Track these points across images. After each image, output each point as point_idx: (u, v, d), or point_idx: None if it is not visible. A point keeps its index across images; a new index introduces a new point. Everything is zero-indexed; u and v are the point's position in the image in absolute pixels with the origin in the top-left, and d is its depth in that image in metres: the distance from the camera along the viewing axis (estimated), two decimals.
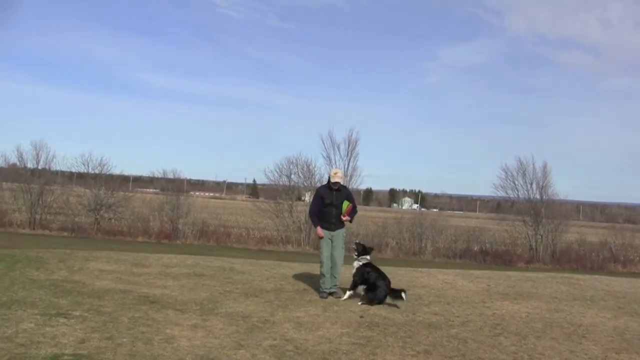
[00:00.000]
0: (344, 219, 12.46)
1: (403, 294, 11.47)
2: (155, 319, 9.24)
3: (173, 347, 7.79)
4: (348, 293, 12.08)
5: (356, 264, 12.21)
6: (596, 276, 20.24)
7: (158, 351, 7.53)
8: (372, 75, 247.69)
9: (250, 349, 7.93)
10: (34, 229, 34.55)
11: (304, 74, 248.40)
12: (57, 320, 8.72)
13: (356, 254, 12.38)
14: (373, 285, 11.80)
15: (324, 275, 12.28)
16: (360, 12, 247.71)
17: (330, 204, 12.38)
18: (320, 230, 12.46)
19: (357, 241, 13.45)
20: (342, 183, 12.76)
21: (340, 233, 12.54)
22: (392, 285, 11.89)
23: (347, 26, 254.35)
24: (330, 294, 12.23)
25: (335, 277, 12.43)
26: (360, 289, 11.99)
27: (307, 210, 31.29)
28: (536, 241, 35.59)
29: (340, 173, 12.99)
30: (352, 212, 12.65)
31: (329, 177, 12.72)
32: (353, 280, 12.12)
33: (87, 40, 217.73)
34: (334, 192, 12.42)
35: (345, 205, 12.41)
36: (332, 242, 12.44)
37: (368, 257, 12.35)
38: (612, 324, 11.15)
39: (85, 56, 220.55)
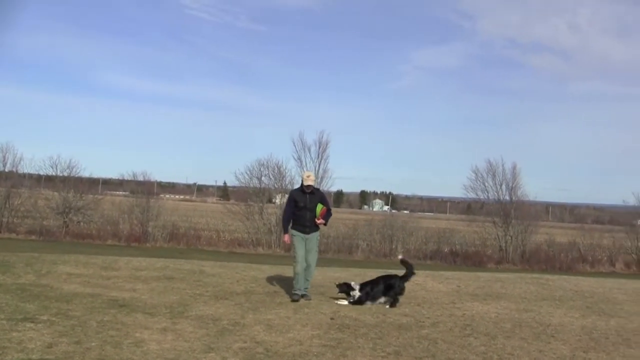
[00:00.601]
0: (318, 222, 12.40)
1: None
2: (124, 322, 9.17)
3: (142, 350, 7.73)
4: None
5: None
6: (565, 276, 20.49)
7: (127, 355, 7.47)
8: (344, 77, 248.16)
9: (221, 352, 7.90)
10: (0, 232, 34.14)
11: (275, 76, 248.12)
12: (24, 324, 8.62)
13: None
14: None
15: (297, 274, 12.15)
16: (332, 14, 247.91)
17: (304, 207, 12.31)
18: (286, 237, 12.65)
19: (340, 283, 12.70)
20: (314, 185, 12.72)
21: (314, 236, 12.51)
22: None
23: (319, 28, 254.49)
24: (302, 296, 12.12)
25: (307, 280, 12.39)
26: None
27: (279, 213, 31.28)
28: (506, 242, 35.77)
29: (312, 176, 12.91)
30: (327, 215, 12.60)
31: (302, 180, 12.67)
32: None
33: (56, 41, 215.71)
34: (307, 195, 12.37)
35: (319, 208, 12.38)
36: (306, 245, 12.34)
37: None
38: (580, 323, 11.28)
39: (53, 57, 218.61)
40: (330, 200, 12.77)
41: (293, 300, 11.90)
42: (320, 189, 12.34)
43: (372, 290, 12.21)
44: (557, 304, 13.36)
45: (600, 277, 23.51)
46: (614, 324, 11.38)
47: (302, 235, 12.34)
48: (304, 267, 12.23)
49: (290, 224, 12.65)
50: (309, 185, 12.37)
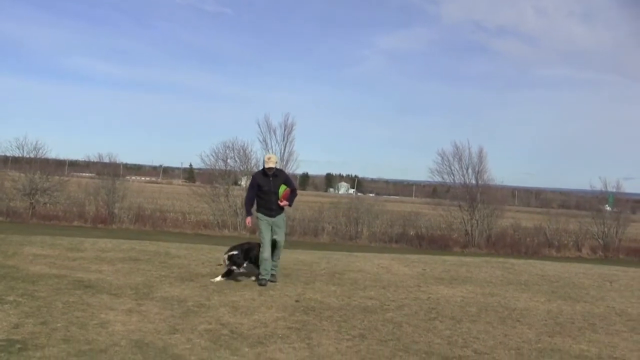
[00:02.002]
0: (281, 204, 12.19)
1: None
2: (90, 303, 9.17)
3: (108, 331, 7.76)
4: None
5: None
6: (530, 261, 20.69)
7: (93, 336, 7.49)
8: (309, 62, 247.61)
9: (186, 333, 7.94)
10: None
11: (240, 60, 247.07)
12: None
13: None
14: None
15: (264, 260, 11.97)
16: None
17: (269, 190, 12.09)
18: (248, 220, 12.52)
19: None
20: (277, 167, 12.53)
21: (280, 218, 12.29)
22: (327, 271, 12.07)
23: (284, 12, 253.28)
24: (260, 280, 11.98)
25: (275, 261, 12.29)
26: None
27: (245, 196, 31.30)
28: (472, 226, 36.04)
29: (274, 158, 12.61)
30: (291, 196, 12.38)
31: (264, 163, 12.44)
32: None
33: (21, 24, 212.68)
34: (270, 178, 12.14)
35: (282, 189, 12.16)
36: (272, 229, 12.14)
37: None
38: (545, 307, 11.40)
39: (19, 40, 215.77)
40: (296, 183, 12.59)
41: (260, 285, 11.76)
42: (285, 170, 11.91)
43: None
44: (523, 288, 13.50)
45: (566, 262, 23.74)
46: (580, 309, 11.51)
47: (268, 219, 12.12)
48: (270, 252, 12.06)
49: (255, 207, 12.44)
50: (270, 168, 12.14)
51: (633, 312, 11.56)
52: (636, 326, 10.29)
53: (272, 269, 12.21)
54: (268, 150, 35.87)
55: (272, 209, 12.16)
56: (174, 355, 6.98)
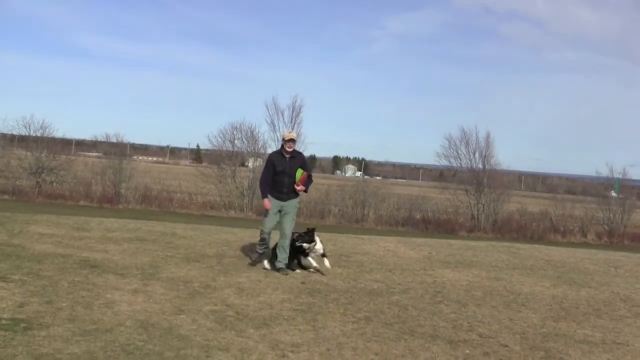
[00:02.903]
0: (297, 188, 11.52)
1: None
2: (95, 283, 9.19)
3: (113, 311, 7.77)
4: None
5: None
6: (536, 246, 20.71)
7: (98, 316, 7.51)
8: (318, 43, 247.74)
9: (191, 314, 7.96)
10: None
11: (249, 40, 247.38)
12: None
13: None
14: None
15: (260, 235, 11.84)
16: None
17: (283, 171, 11.40)
18: (267, 203, 11.56)
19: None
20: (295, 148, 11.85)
21: (292, 203, 11.65)
22: (333, 253, 12.06)
23: None
24: (278, 269, 11.37)
25: (284, 250, 11.54)
26: None
27: (251, 177, 30.87)
28: (478, 210, 35.96)
29: (294, 135, 11.97)
30: (307, 181, 11.69)
31: (282, 141, 11.80)
32: None
33: (30, 2, 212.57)
34: (288, 159, 11.45)
35: (299, 173, 11.47)
36: (281, 212, 11.55)
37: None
38: (550, 292, 11.44)
39: (25, 17, 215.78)
40: None
41: (250, 261, 12.01)
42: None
43: None
44: (528, 273, 13.53)
45: (572, 247, 23.76)
46: (585, 294, 11.54)
47: (277, 202, 11.50)
48: (268, 235, 11.80)
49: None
50: (290, 143, 11.48)
51: (637, 298, 11.59)
52: None
53: (279, 261, 11.51)
54: (276, 132, 35.74)
55: (282, 192, 11.50)
56: (180, 335, 6.99)
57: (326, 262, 11.86)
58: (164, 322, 7.48)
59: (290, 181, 11.48)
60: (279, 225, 11.70)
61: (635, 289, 12.54)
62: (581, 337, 8.41)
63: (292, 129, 35.61)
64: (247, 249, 13.45)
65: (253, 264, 11.83)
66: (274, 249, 11.84)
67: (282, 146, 11.69)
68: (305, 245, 11.64)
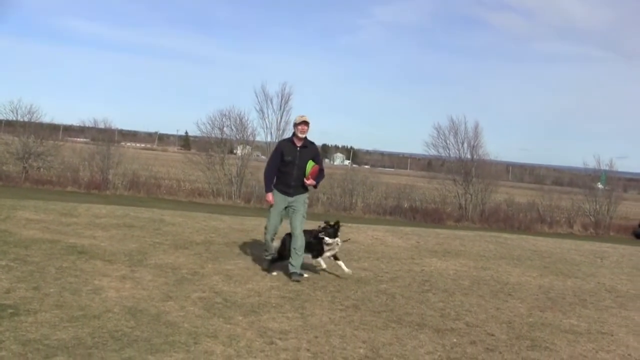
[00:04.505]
0: (307, 183, 10.15)
1: None
2: (83, 269, 9.18)
3: (101, 297, 7.77)
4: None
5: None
6: (523, 236, 20.83)
7: (85, 302, 7.50)
8: (306, 30, 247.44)
9: (179, 301, 7.96)
10: None
11: (237, 27, 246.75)
12: None
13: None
14: None
15: (266, 242, 10.46)
16: None
17: (291, 162, 10.06)
18: (270, 197, 10.24)
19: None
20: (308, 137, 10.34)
21: (300, 199, 10.23)
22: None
23: None
24: (291, 274, 9.97)
25: (298, 254, 10.01)
26: None
27: (240, 165, 30.58)
28: (466, 200, 36.00)
29: (308, 119, 10.25)
30: (319, 176, 10.38)
31: (294, 127, 10.32)
32: None
33: None
34: (299, 149, 10.11)
35: (310, 166, 10.09)
36: (288, 209, 10.24)
37: None
38: (537, 282, 11.51)
39: (13, 1, 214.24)
40: None
41: (263, 269, 10.38)
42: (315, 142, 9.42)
43: None
44: (515, 263, 13.60)
45: (558, 237, 23.86)
46: (571, 284, 11.63)
47: (282, 196, 10.19)
48: (274, 235, 10.42)
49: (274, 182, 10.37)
50: (303, 126, 10.13)
51: (622, 288, 11.68)
52: (625, 302, 10.42)
53: (293, 266, 10.05)
54: (264, 120, 35.69)
55: (289, 186, 10.17)
56: (167, 322, 7.00)
57: (343, 265, 10.53)
58: (151, 309, 7.48)
59: (299, 174, 10.09)
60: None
61: (620, 279, 12.64)
62: (567, 326, 8.47)
63: (281, 117, 35.58)
64: (235, 237, 13.46)
65: (268, 271, 10.34)
66: (282, 248, 10.44)
67: (294, 133, 10.22)
68: (327, 240, 10.31)
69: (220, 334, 6.77)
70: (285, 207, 10.25)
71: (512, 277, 11.84)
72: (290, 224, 10.21)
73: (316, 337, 6.98)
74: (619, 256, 16.27)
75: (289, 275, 9.95)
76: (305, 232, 10.26)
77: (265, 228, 10.45)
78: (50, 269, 8.99)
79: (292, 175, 10.07)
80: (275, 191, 10.22)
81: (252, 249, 12.20)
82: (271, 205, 10.28)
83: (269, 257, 10.50)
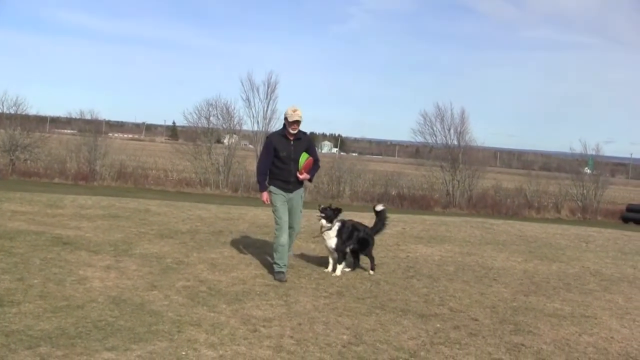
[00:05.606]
0: (301, 177, 9.56)
1: None
2: (68, 260, 9.18)
3: (85, 288, 7.78)
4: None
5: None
6: (510, 221, 20.86)
7: (70, 292, 7.52)
8: (293, 18, 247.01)
9: (164, 290, 7.98)
10: None
11: (224, 15, 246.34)
12: None
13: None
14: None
15: (281, 246, 9.36)
16: None
17: (287, 157, 9.41)
18: (265, 196, 9.57)
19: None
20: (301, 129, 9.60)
21: (299, 194, 9.76)
22: (306, 228, 11.81)
23: None
24: (277, 274, 9.34)
25: (287, 252, 9.48)
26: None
27: (227, 154, 30.48)
28: (453, 186, 36.11)
29: (300, 112, 9.40)
30: (313, 169, 9.84)
31: (285, 119, 9.49)
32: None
33: None
34: (292, 143, 9.44)
35: (304, 158, 9.49)
36: (288, 205, 9.59)
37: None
38: (522, 267, 11.55)
39: None
40: None
41: (280, 281, 9.12)
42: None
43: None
44: (501, 248, 13.63)
45: (545, 223, 23.93)
46: (555, 269, 11.66)
47: (283, 194, 9.52)
48: (288, 236, 9.54)
49: (267, 179, 9.64)
50: (295, 123, 9.33)
51: (606, 272, 11.72)
52: (609, 286, 10.46)
53: (277, 265, 9.47)
54: (251, 109, 35.67)
55: (289, 182, 9.52)
56: (151, 311, 7.02)
57: (338, 267, 9.98)
58: (136, 298, 7.50)
59: (297, 168, 9.48)
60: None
61: (605, 263, 12.68)
62: (551, 310, 8.52)
63: (268, 105, 35.55)
64: (221, 225, 13.47)
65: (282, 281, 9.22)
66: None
67: (285, 126, 9.48)
68: (323, 222, 9.97)
69: (204, 322, 6.79)
70: (287, 204, 9.60)
71: (497, 262, 11.88)
72: (290, 220, 9.58)
73: (300, 324, 7.01)
74: (604, 240, 16.32)
75: (274, 274, 9.35)
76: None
77: (277, 230, 9.51)
78: (35, 260, 9.00)
79: (290, 171, 9.46)
80: (273, 188, 9.52)
81: (238, 237, 12.23)
82: (272, 204, 9.60)
83: (284, 269, 9.35)
